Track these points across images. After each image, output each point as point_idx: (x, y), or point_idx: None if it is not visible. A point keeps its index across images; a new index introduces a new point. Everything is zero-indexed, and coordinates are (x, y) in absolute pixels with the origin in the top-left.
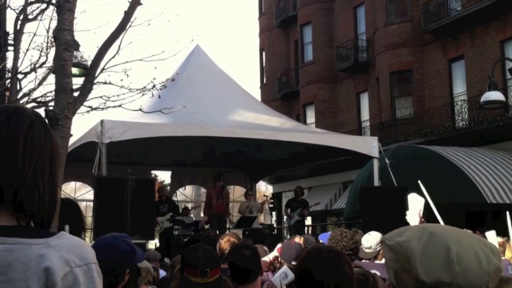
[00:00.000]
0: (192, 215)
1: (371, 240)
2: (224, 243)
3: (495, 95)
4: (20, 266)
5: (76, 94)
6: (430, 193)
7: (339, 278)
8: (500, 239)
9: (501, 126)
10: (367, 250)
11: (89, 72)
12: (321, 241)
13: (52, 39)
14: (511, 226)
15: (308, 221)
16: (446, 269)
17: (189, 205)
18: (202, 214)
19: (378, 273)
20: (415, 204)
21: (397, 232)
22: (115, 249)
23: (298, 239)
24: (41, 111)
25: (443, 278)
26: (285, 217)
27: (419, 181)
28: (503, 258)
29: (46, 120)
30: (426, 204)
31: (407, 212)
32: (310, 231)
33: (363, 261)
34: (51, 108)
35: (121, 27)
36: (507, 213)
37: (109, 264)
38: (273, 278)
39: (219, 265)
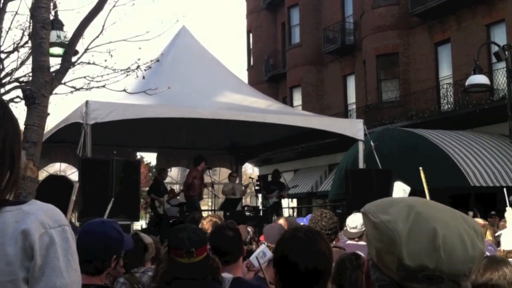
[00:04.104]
0: (178, 197)
1: (356, 220)
2: (206, 223)
3: (480, 79)
4: None
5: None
6: (413, 176)
7: (315, 258)
8: (481, 221)
9: (486, 109)
10: (352, 230)
11: (67, 51)
12: (301, 223)
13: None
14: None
15: (294, 203)
16: (431, 254)
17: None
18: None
19: (361, 254)
20: (400, 194)
21: (381, 206)
22: (104, 235)
23: (283, 221)
24: (20, 91)
25: (428, 263)
26: (260, 198)
27: (420, 168)
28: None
29: (18, 100)
30: (420, 192)
31: None
32: (295, 213)
33: (347, 242)
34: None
35: (99, 6)
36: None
37: (96, 250)
38: (251, 258)
39: (205, 244)
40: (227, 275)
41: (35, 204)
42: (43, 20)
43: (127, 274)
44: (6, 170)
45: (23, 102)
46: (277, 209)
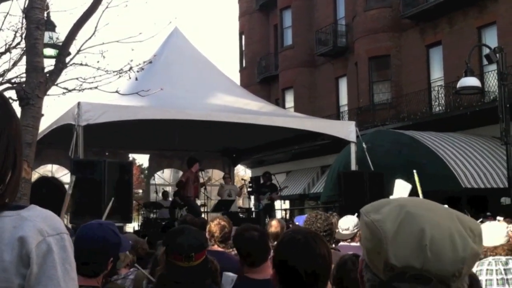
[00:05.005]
0: (170, 199)
1: (348, 221)
2: (214, 226)
3: (471, 81)
4: None
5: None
6: (404, 178)
7: (314, 261)
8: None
9: (477, 111)
10: (344, 232)
11: (61, 52)
12: (297, 223)
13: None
14: None
15: (286, 205)
16: (418, 254)
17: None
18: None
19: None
20: (401, 191)
21: (376, 206)
22: (101, 238)
23: (276, 223)
24: (13, 92)
25: (414, 263)
26: (253, 200)
27: (414, 171)
28: None
29: (10, 101)
30: (413, 194)
31: (391, 197)
32: (288, 215)
33: (340, 243)
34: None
35: (93, 7)
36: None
37: (94, 253)
38: None
39: (204, 248)
40: (230, 274)
41: (34, 210)
42: (37, 21)
43: (108, 283)
44: (9, 169)
45: (15, 103)
46: (270, 211)
